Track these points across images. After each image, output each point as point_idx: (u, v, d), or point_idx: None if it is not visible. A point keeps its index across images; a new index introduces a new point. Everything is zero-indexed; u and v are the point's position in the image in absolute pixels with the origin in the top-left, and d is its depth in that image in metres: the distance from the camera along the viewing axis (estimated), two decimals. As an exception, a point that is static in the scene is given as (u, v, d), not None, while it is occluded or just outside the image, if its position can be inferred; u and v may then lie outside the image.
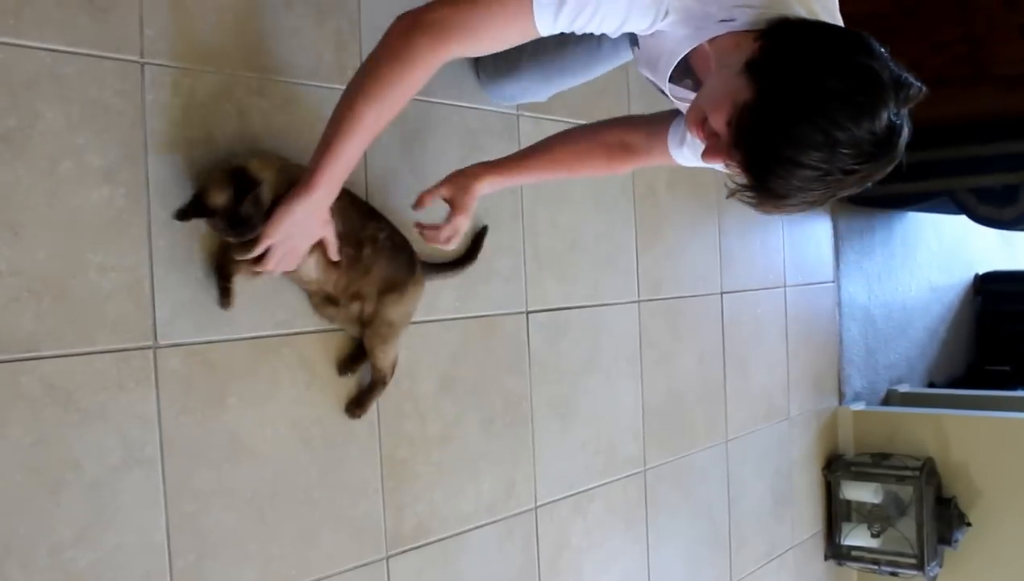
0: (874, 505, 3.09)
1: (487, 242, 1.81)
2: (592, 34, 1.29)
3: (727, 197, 1.04)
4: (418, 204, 1.50)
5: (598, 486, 2.10)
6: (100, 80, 1.23)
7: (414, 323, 1.66)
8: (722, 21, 1.06)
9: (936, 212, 3.77)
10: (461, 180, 1.51)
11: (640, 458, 2.24)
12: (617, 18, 1.08)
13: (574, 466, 2.04)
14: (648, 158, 1.50)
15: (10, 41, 1.14)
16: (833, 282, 3.22)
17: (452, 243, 1.55)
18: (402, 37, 1.09)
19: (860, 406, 3.29)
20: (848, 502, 3.14)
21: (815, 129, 0.93)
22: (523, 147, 1.59)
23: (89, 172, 1.22)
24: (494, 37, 1.11)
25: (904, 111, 0.97)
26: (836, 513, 3.13)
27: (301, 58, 1.48)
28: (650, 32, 1.12)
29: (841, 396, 3.30)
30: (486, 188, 1.52)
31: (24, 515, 1.15)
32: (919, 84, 0.98)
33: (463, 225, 1.53)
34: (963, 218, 3.45)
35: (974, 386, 4.03)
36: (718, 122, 1.03)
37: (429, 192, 1.50)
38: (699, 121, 1.08)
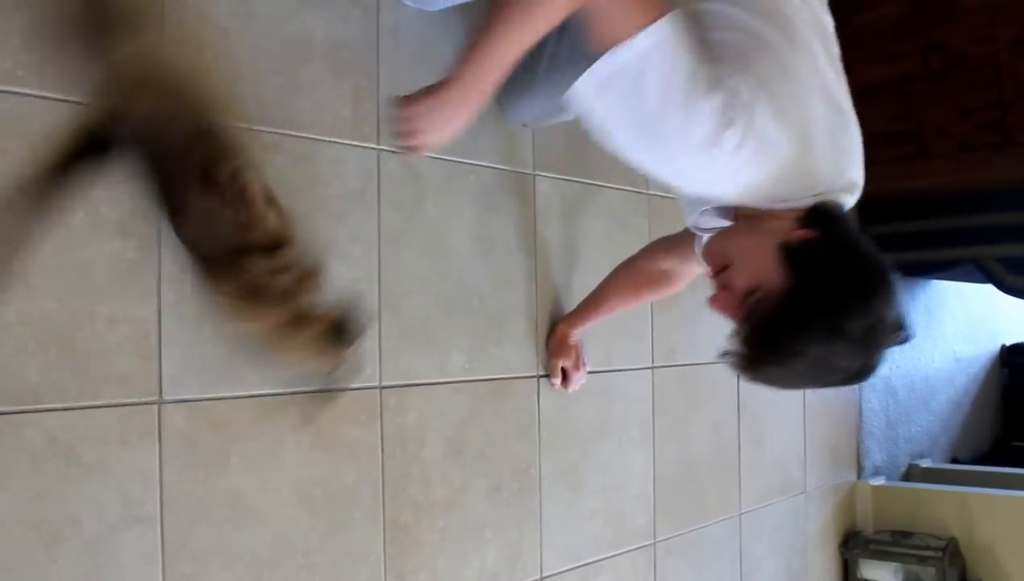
0: (893, 586, 3.00)
1: (500, 303, 1.80)
2: None
3: (718, 357, 1.15)
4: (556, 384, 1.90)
5: (606, 558, 2.05)
6: (119, 135, 1.24)
7: (424, 385, 1.64)
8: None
9: (962, 281, 3.71)
10: (556, 343, 1.89)
11: (650, 530, 2.19)
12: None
13: (582, 536, 1.99)
14: (689, 276, 1.73)
15: (32, 93, 1.16)
16: (853, 352, 3.16)
17: (578, 385, 1.94)
18: None
19: (880, 481, 3.21)
20: (866, 581, 3.06)
21: (819, 352, 1.06)
22: (590, 293, 1.88)
23: (102, 225, 1.22)
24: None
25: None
26: (853, 592, 3.05)
27: (317, 114, 1.49)
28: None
29: (860, 470, 3.22)
30: (574, 336, 1.90)
31: (20, 570, 1.14)
32: (909, 330, 1.12)
33: (583, 373, 1.93)
34: (990, 287, 3.39)
35: (1000, 462, 3.91)
36: (740, 284, 1.13)
37: (554, 373, 1.89)
38: (720, 266, 1.18)
